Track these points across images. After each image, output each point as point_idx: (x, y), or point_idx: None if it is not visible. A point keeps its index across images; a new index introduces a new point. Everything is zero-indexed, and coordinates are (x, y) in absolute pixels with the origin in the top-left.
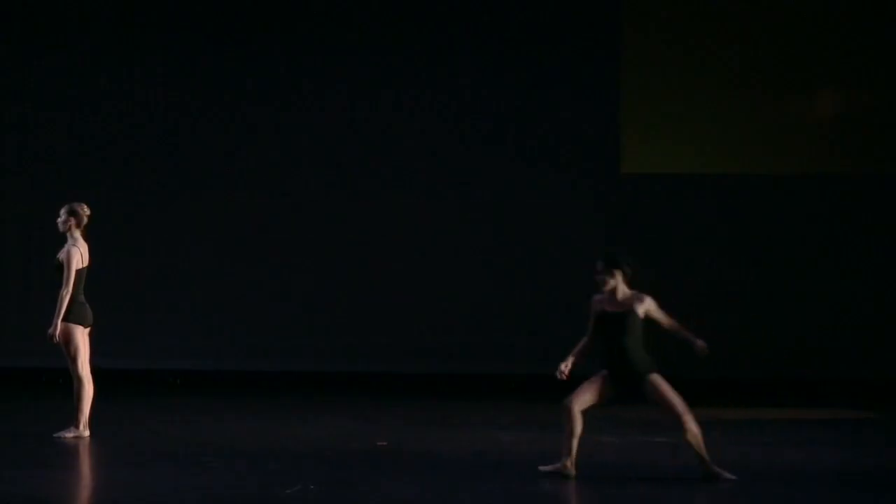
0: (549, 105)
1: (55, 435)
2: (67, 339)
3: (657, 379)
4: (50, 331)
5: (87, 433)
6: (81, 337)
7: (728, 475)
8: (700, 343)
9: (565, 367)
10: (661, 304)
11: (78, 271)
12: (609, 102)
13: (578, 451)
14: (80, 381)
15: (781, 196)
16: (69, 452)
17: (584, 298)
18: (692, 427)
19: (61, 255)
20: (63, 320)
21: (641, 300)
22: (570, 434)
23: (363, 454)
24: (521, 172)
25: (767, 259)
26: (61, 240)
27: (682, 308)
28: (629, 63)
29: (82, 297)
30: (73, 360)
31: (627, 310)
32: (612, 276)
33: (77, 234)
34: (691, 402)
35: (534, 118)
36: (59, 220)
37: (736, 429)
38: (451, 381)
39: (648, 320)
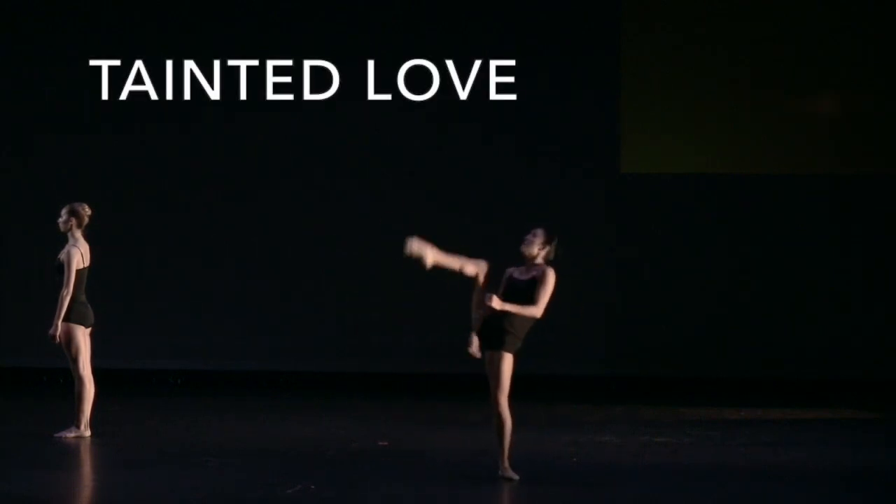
0: (549, 104)
1: (56, 435)
2: (68, 339)
3: (508, 357)
4: (51, 331)
5: (88, 433)
6: (82, 337)
7: (513, 475)
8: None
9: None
10: (661, 304)
11: (79, 272)
12: (609, 102)
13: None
14: (80, 381)
15: (781, 196)
16: (70, 452)
17: (584, 298)
18: (506, 414)
19: (62, 256)
20: (64, 321)
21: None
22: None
23: (363, 454)
24: (520, 172)
25: (767, 259)
26: (62, 240)
27: (682, 307)
28: (629, 62)
29: (83, 298)
30: (74, 360)
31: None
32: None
33: (78, 234)
34: (692, 402)
35: (533, 117)
36: (60, 220)
37: (736, 429)
38: (451, 381)
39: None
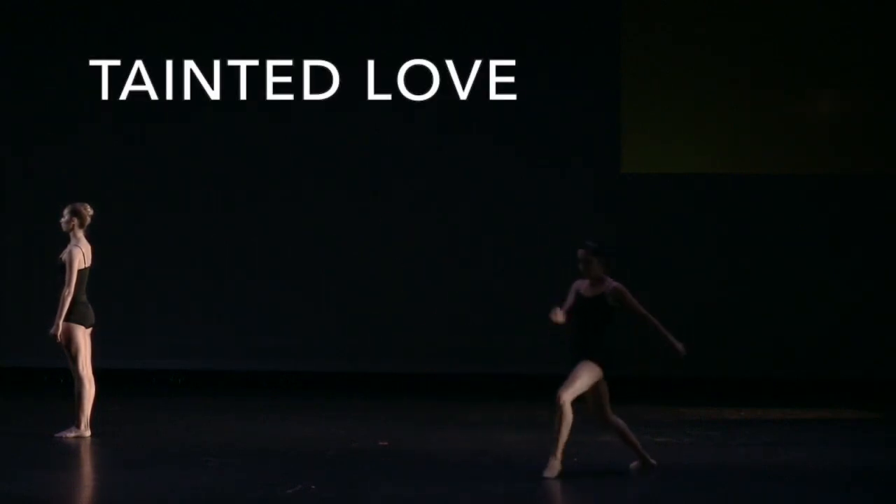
0: (549, 104)
1: (56, 435)
2: (69, 339)
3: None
4: (51, 331)
5: (88, 433)
6: (83, 337)
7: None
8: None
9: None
10: (661, 304)
11: (80, 272)
12: (609, 102)
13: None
14: (81, 381)
15: (781, 196)
16: (70, 452)
17: None
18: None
19: (63, 256)
20: (65, 320)
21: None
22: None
23: (363, 454)
24: (520, 172)
25: (767, 259)
26: (64, 240)
27: (682, 307)
28: (629, 62)
29: (84, 298)
30: (75, 360)
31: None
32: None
33: (80, 234)
34: (692, 402)
35: (533, 118)
36: (62, 220)
37: (736, 429)
38: (451, 381)
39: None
